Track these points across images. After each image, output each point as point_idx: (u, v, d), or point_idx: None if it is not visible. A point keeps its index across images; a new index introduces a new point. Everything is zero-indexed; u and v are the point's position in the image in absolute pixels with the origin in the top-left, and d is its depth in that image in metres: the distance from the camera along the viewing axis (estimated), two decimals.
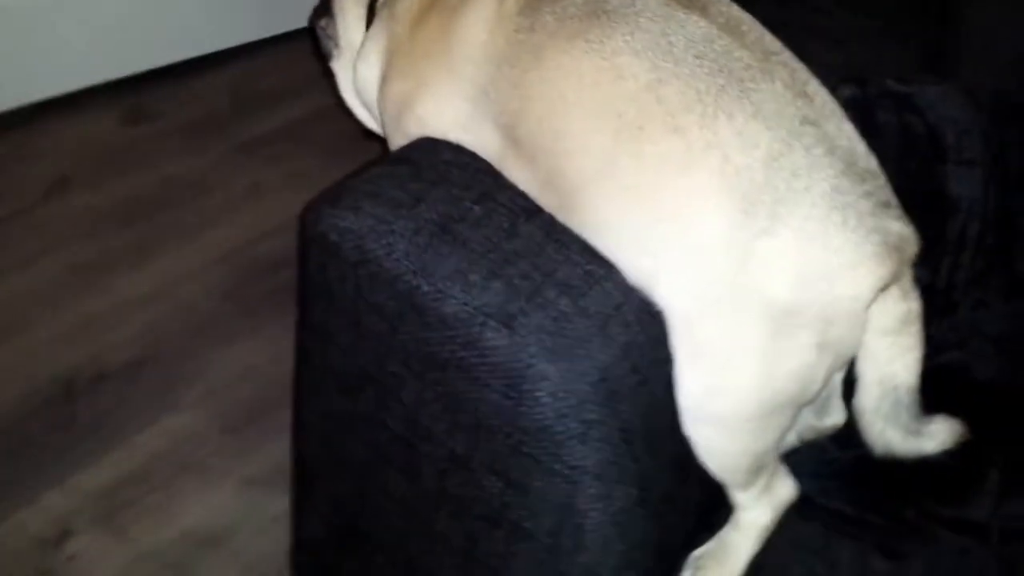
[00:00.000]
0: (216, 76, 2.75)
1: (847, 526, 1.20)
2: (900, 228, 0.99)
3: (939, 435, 1.08)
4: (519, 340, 0.99)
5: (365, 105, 1.33)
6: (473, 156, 1.13)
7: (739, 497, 1.13)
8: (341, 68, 1.36)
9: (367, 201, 1.07)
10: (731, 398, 1.03)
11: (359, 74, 1.27)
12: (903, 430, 1.07)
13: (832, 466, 1.24)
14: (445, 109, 1.13)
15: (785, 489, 1.15)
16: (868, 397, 1.07)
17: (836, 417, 1.21)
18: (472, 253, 1.03)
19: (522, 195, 1.10)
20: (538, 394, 0.99)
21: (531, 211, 1.08)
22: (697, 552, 1.17)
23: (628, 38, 1.01)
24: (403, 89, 1.17)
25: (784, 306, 0.97)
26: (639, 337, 1.02)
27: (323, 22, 1.35)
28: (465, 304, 1.01)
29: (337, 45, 1.35)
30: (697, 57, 0.99)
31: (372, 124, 1.37)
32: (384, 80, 1.22)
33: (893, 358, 1.03)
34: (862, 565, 1.18)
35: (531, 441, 1.02)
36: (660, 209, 1.00)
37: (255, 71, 2.79)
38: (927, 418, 1.08)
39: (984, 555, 1.17)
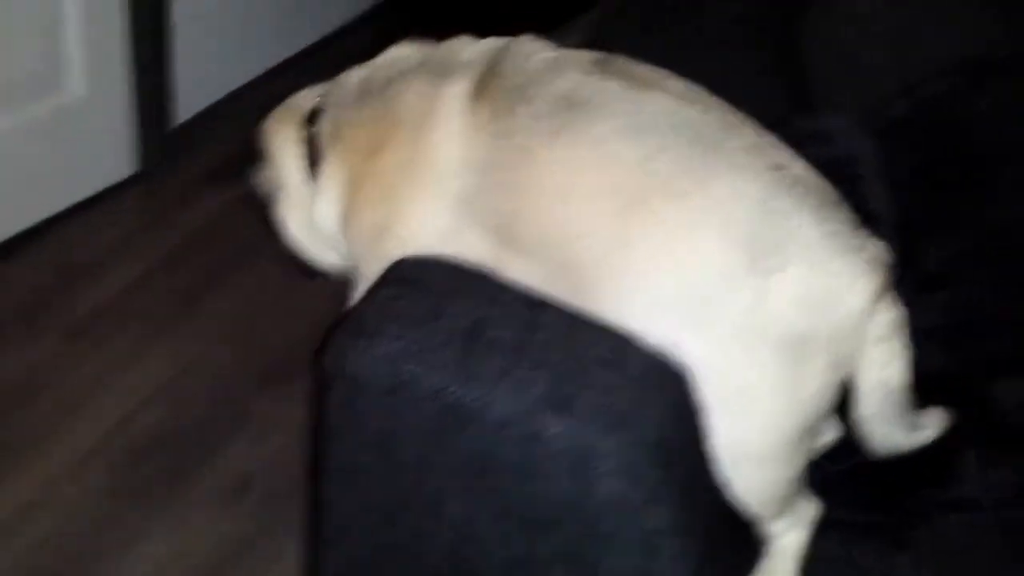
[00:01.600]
0: (19, 260, 2.62)
1: (863, 531, 1.36)
2: (875, 245, 1.18)
3: (933, 424, 1.27)
4: (580, 421, 1.07)
5: (323, 242, 1.39)
6: (463, 264, 1.22)
7: (775, 527, 1.26)
8: (289, 210, 1.41)
9: (389, 325, 1.13)
10: (766, 433, 1.16)
11: (318, 211, 1.33)
12: (905, 427, 1.24)
13: (831, 481, 1.39)
14: (428, 226, 1.22)
15: (812, 507, 1.29)
16: (870, 405, 1.23)
17: (832, 433, 1.37)
18: (507, 351, 1.11)
19: (525, 290, 1.20)
20: (607, 467, 1.07)
21: (541, 302, 1.18)
22: None
23: (609, 122, 1.15)
24: (379, 215, 1.25)
25: (801, 334, 1.12)
26: (676, 395, 1.14)
27: (262, 174, 1.40)
28: (518, 401, 1.08)
29: (278, 188, 1.40)
30: (673, 128, 1.15)
31: (329, 259, 1.42)
32: (351, 211, 1.29)
33: (888, 363, 1.21)
34: (887, 563, 1.33)
35: (604, 518, 1.10)
36: (676, 272, 1.12)
37: (56, 250, 2.70)
38: (918, 412, 1.27)
39: (984, 526, 1.36)
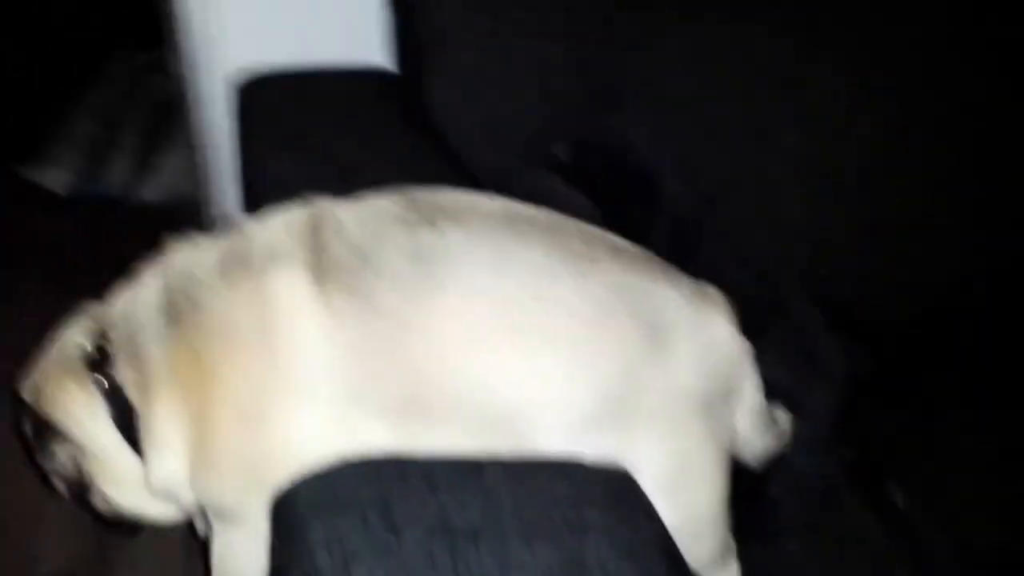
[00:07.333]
0: None
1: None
2: (709, 286, 1.32)
3: (783, 419, 1.48)
4: None
5: (163, 498, 1.22)
6: (364, 460, 1.16)
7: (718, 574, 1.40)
8: (110, 483, 1.21)
9: (357, 569, 1.06)
10: (713, 493, 1.28)
11: (156, 469, 1.16)
12: (771, 430, 1.44)
13: None
14: (313, 438, 1.13)
15: (733, 542, 1.45)
16: (747, 428, 1.39)
17: None
18: (488, 537, 1.08)
19: (444, 461, 1.17)
20: None
21: (475, 465, 1.15)
22: None
23: (470, 265, 1.15)
24: (248, 445, 1.12)
25: (707, 391, 1.25)
26: (643, 497, 1.22)
27: (56, 451, 1.17)
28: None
29: (84, 456, 1.19)
30: (525, 247, 1.19)
31: (168, 513, 1.25)
32: (204, 453, 1.14)
33: (755, 390, 1.37)
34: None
35: None
36: (589, 381, 1.17)
37: None
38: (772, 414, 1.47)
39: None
